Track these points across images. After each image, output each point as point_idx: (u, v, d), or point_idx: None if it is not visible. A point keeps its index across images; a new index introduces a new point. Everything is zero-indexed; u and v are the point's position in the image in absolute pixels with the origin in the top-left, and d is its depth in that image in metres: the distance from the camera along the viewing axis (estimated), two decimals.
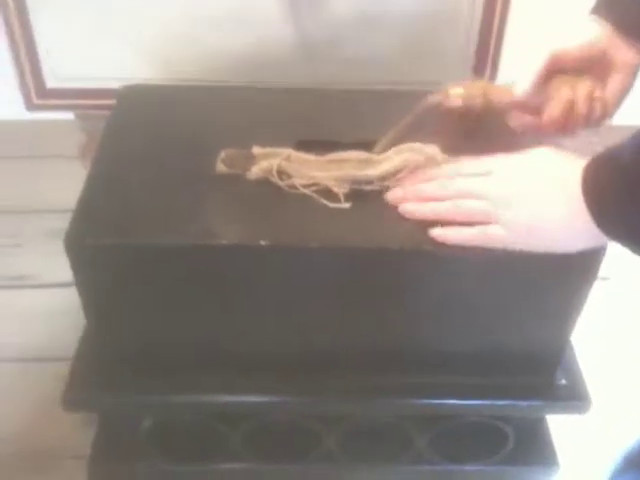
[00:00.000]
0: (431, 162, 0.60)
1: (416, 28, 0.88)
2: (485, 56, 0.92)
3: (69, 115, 0.98)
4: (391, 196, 0.59)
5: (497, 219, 0.54)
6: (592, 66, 0.61)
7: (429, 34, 0.89)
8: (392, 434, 0.70)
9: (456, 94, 0.62)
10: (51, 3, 0.83)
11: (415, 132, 0.62)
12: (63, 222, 1.54)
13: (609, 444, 0.98)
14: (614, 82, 0.62)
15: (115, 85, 0.73)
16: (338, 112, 0.68)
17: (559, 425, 0.75)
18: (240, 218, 0.57)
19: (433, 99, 0.62)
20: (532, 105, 0.63)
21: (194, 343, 0.61)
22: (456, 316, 0.61)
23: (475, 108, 0.63)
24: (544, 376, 0.66)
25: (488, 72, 0.94)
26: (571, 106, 0.61)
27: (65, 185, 1.64)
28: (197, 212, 0.57)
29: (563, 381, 0.66)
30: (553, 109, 0.61)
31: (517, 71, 0.63)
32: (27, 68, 0.86)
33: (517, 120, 0.65)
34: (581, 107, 0.60)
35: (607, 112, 0.62)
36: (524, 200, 0.54)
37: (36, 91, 0.88)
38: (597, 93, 0.61)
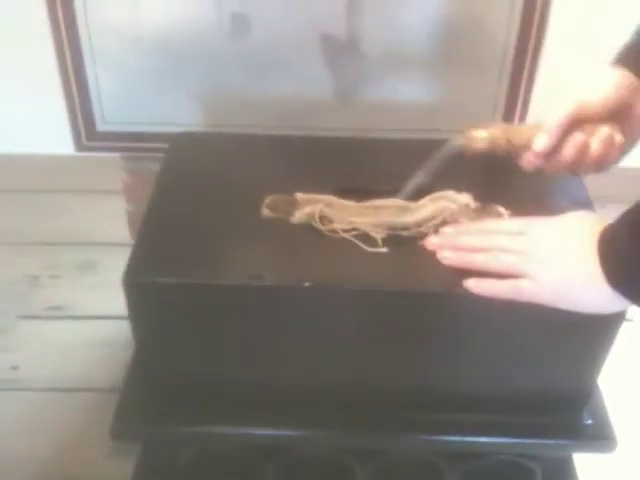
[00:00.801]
0: (464, 210, 0.64)
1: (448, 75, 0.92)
2: (515, 101, 0.95)
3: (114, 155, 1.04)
4: (429, 242, 0.62)
5: (528, 275, 0.57)
6: (614, 114, 0.63)
7: (461, 80, 0.93)
8: (423, 471, 0.72)
9: (480, 137, 0.64)
10: (104, 56, 0.88)
11: (446, 179, 0.66)
12: (99, 255, 1.60)
13: None
14: (632, 129, 0.64)
15: (159, 130, 0.78)
16: (373, 160, 0.72)
17: (585, 464, 0.77)
18: (284, 261, 0.61)
19: (457, 142, 0.65)
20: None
21: (236, 378, 0.65)
22: (487, 359, 0.64)
23: (499, 151, 0.64)
24: (572, 416, 0.68)
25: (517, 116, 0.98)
26: (585, 149, 0.62)
27: (103, 220, 1.72)
28: (244, 254, 0.61)
29: (590, 421, 0.68)
30: (567, 150, 0.62)
31: (546, 112, 0.64)
32: (79, 112, 0.92)
33: (527, 158, 0.65)
34: (594, 151, 0.62)
35: (619, 157, 0.64)
36: (554, 260, 0.57)
37: (86, 133, 0.93)
38: (617, 138, 0.62)
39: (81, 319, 1.53)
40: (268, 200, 0.65)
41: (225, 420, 0.66)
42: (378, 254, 0.61)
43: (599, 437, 0.68)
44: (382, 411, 0.66)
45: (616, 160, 0.64)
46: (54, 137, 1.07)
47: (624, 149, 0.64)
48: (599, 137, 0.62)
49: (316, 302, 0.59)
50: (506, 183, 0.69)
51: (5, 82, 1.72)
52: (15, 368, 1.40)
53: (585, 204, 0.67)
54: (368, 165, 0.71)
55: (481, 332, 0.62)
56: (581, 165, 0.63)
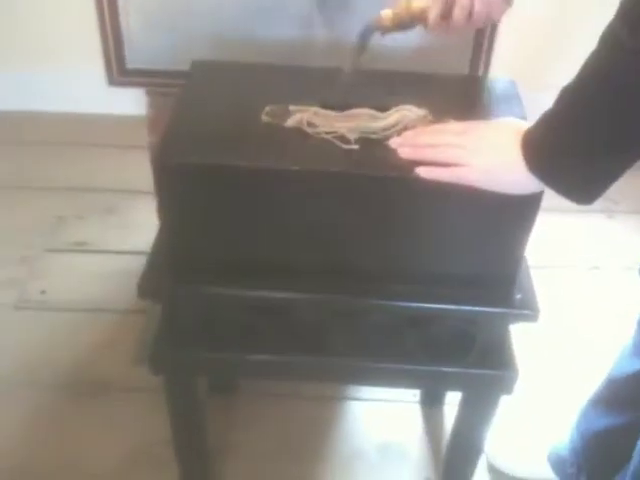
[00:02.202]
0: (421, 119, 0.81)
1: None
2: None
3: (139, 110, 1.21)
4: (393, 141, 0.79)
5: (467, 164, 0.75)
6: None
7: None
8: (389, 335, 0.90)
9: (385, 15, 0.83)
10: (135, 5, 1.06)
11: (410, 99, 0.83)
12: (119, 200, 1.84)
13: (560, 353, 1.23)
14: None
15: (177, 68, 0.96)
16: (353, 84, 0.89)
17: (521, 340, 0.95)
18: (278, 152, 0.79)
19: (370, 22, 0.83)
20: None
21: (243, 250, 0.82)
22: (434, 239, 0.82)
23: (405, 23, 0.83)
24: (504, 290, 0.85)
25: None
26: (471, 11, 0.81)
27: (125, 170, 1.93)
28: (249, 147, 0.78)
29: (519, 295, 0.86)
30: (456, 15, 0.82)
31: None
32: (112, 52, 1.09)
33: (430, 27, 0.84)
34: (478, 11, 0.81)
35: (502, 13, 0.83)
36: (487, 152, 0.75)
37: (118, 69, 1.10)
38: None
39: (102, 253, 1.72)
40: (267, 109, 0.83)
41: (234, 284, 0.84)
42: (351, 150, 0.79)
43: (526, 307, 0.85)
44: (355, 281, 0.84)
45: (500, 15, 0.84)
46: (90, 72, 1.25)
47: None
48: (475, 9, 0.81)
49: (302, 184, 0.77)
50: (456, 103, 0.86)
51: (51, 32, 1.92)
52: (43, 292, 1.60)
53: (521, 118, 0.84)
54: (348, 87, 0.88)
55: (430, 214, 0.79)
56: (473, 23, 0.83)
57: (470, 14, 0.82)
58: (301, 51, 1.06)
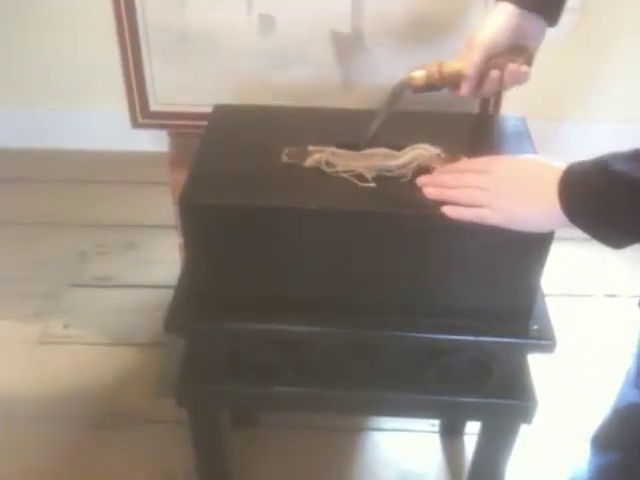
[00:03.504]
0: (435, 158, 0.84)
1: None
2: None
3: (160, 147, 1.26)
4: (419, 181, 0.82)
5: (489, 206, 0.77)
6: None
7: None
8: (407, 366, 0.92)
9: (418, 75, 0.85)
10: (158, 45, 1.10)
11: (423, 137, 0.86)
12: (140, 235, 1.89)
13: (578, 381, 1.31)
14: (531, 47, 0.86)
15: (200, 110, 0.99)
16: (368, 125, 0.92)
17: (539, 370, 0.96)
18: (299, 191, 0.82)
19: (402, 81, 0.85)
20: None
21: (264, 286, 0.85)
22: (454, 274, 0.84)
23: (436, 84, 0.85)
24: (521, 323, 0.87)
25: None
26: (500, 81, 0.85)
27: (145, 206, 1.98)
28: (270, 187, 0.82)
29: (535, 326, 0.87)
30: (487, 85, 0.86)
31: None
32: (136, 94, 1.13)
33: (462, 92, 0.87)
34: (507, 82, 0.85)
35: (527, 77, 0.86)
36: (511, 194, 0.77)
37: (141, 112, 1.15)
38: (522, 69, 0.84)
39: (123, 287, 1.76)
40: (286, 151, 0.86)
41: (256, 320, 0.86)
42: (369, 188, 0.82)
43: (543, 338, 0.87)
44: (373, 315, 0.86)
45: (525, 79, 0.86)
46: (114, 113, 1.31)
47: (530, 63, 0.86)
48: (508, 72, 0.84)
49: (322, 222, 0.80)
50: (468, 141, 0.89)
51: (76, 73, 2.00)
52: (66, 327, 1.63)
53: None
54: (363, 127, 0.91)
55: (446, 249, 0.82)
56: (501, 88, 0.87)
57: (500, 84, 0.86)
58: (317, 92, 1.10)
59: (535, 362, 0.95)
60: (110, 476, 1.31)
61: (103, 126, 2.09)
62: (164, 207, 1.46)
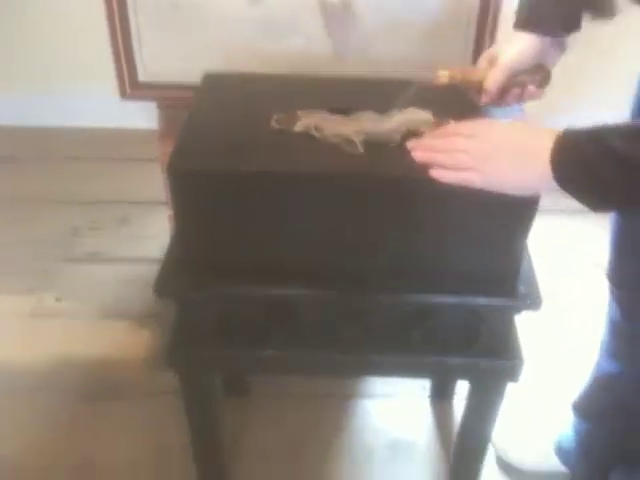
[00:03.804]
0: (424, 122, 0.85)
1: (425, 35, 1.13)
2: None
3: (151, 123, 1.26)
4: (408, 144, 0.83)
5: (477, 169, 0.78)
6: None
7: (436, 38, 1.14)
8: (395, 328, 0.93)
9: (442, 74, 0.88)
10: (146, 16, 1.10)
11: (413, 103, 0.87)
12: (132, 211, 1.91)
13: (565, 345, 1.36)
14: (550, 64, 0.89)
15: (191, 81, 1.00)
16: (358, 91, 0.93)
17: (527, 332, 0.98)
18: (288, 156, 0.83)
19: (427, 79, 0.88)
20: None
21: (253, 250, 0.86)
22: (442, 235, 0.85)
23: (457, 85, 0.88)
24: (508, 284, 0.89)
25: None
26: (519, 98, 0.89)
27: (138, 183, 1.99)
28: (257, 152, 0.83)
29: (522, 287, 0.89)
30: (508, 100, 0.90)
31: None
32: (124, 65, 1.14)
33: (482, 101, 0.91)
34: (526, 98, 0.89)
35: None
36: (497, 158, 0.78)
37: (129, 83, 1.15)
38: (541, 89, 0.89)
39: (115, 262, 1.77)
40: (276, 116, 0.87)
41: (245, 283, 0.88)
42: (358, 152, 0.83)
43: (528, 297, 0.88)
44: (362, 278, 0.88)
45: (542, 96, 0.90)
46: (103, 87, 1.31)
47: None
48: (528, 91, 0.89)
49: (311, 186, 0.81)
50: (458, 108, 0.90)
51: (64, 49, 2.00)
52: (58, 300, 1.64)
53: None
54: (354, 94, 0.92)
55: (435, 212, 0.83)
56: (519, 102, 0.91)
57: (518, 100, 0.90)
58: (307, 62, 1.10)
59: (524, 326, 0.96)
60: (101, 446, 1.32)
61: (96, 104, 2.09)
62: (157, 183, 1.47)
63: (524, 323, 0.97)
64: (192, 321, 0.94)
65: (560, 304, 1.57)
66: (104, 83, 1.41)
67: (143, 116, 1.82)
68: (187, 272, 0.89)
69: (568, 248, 1.78)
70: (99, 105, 2.07)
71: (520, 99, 0.90)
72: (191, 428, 1.09)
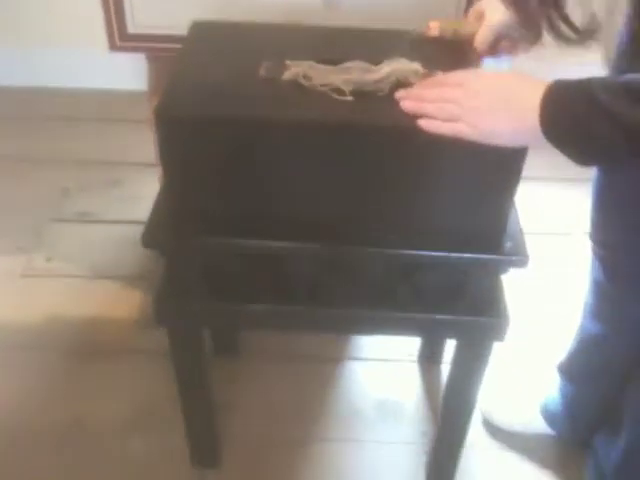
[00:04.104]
0: (413, 72, 0.84)
1: None
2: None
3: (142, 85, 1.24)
4: (397, 94, 0.82)
5: (465, 120, 0.77)
6: None
7: None
8: (382, 284, 0.93)
9: (433, 27, 0.87)
10: None
11: (402, 54, 0.86)
12: (123, 173, 1.90)
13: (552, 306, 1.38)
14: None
15: (180, 33, 0.99)
16: (347, 41, 0.92)
17: (511, 292, 0.98)
18: (276, 104, 0.82)
19: (420, 30, 0.88)
20: None
21: (245, 200, 0.85)
22: (427, 188, 0.85)
23: (448, 38, 0.87)
24: (494, 240, 0.88)
25: None
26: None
27: (130, 144, 1.98)
28: (248, 100, 0.81)
29: (509, 244, 0.89)
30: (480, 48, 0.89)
31: None
32: (113, 17, 1.12)
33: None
34: (504, 45, 0.90)
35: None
36: (487, 109, 0.77)
37: (119, 35, 1.13)
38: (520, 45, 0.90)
39: (106, 223, 1.76)
40: (264, 64, 0.86)
41: (233, 234, 0.87)
42: (346, 101, 0.82)
43: (515, 254, 0.88)
44: (350, 231, 0.87)
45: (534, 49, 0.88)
46: (92, 40, 1.29)
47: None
48: (518, 46, 0.91)
49: (297, 134, 0.80)
50: (448, 59, 0.89)
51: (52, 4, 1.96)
52: (49, 260, 1.64)
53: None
54: (343, 44, 0.91)
55: (421, 164, 0.82)
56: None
57: (509, 52, 0.91)
58: (297, 12, 1.09)
59: (510, 288, 0.96)
60: (91, 404, 1.33)
61: (88, 64, 2.07)
62: (148, 145, 1.46)
63: (510, 285, 0.96)
64: (180, 274, 0.93)
65: (546, 267, 1.57)
66: (93, 41, 1.40)
67: (135, 77, 1.81)
68: (175, 223, 0.88)
69: (557, 215, 1.77)
70: (91, 65, 2.05)
71: (511, 52, 0.88)
72: (180, 385, 1.09)
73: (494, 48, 0.89)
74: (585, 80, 0.71)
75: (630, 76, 0.69)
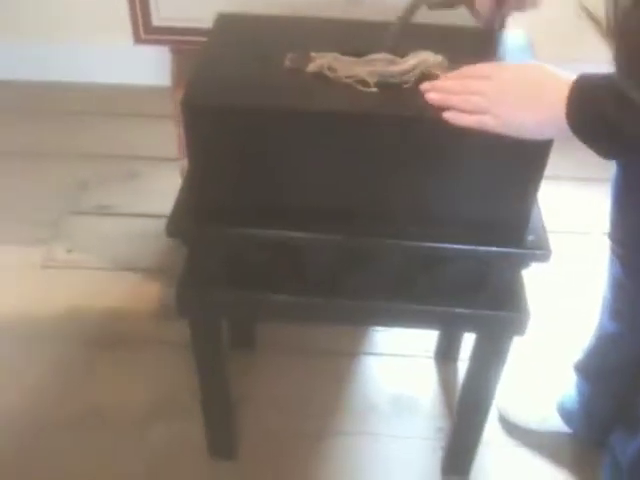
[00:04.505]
0: (438, 65, 0.85)
1: None
2: None
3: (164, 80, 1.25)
4: (422, 86, 0.82)
5: (491, 112, 0.78)
6: None
7: None
8: (402, 276, 0.93)
9: None
10: None
11: (427, 47, 0.86)
12: (142, 166, 1.90)
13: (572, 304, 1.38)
14: None
15: (204, 26, 0.99)
16: (370, 34, 0.92)
17: (533, 284, 0.98)
18: (301, 94, 0.82)
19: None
20: None
21: (269, 190, 0.86)
22: (451, 180, 0.85)
23: (453, 2, 0.88)
24: (517, 233, 0.89)
25: None
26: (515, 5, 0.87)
27: (148, 138, 1.99)
28: (270, 90, 0.82)
29: (531, 237, 0.89)
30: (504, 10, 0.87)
31: None
32: (138, 9, 1.13)
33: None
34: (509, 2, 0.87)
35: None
36: (512, 102, 0.77)
37: (143, 27, 1.14)
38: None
39: (125, 216, 1.77)
40: (289, 56, 0.86)
41: (255, 225, 0.87)
42: (371, 93, 0.82)
43: (537, 248, 0.88)
44: (371, 223, 0.87)
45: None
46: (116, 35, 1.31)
47: None
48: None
49: (322, 124, 0.80)
50: (471, 51, 0.90)
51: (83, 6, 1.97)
52: (69, 251, 1.65)
53: None
54: (368, 37, 0.91)
55: (445, 156, 0.82)
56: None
57: (515, 8, 0.88)
58: (322, 6, 1.09)
59: (529, 284, 0.96)
60: (111, 394, 1.34)
61: (108, 59, 2.09)
62: (167, 139, 1.48)
63: (529, 281, 0.96)
64: (202, 264, 0.94)
65: (564, 265, 1.56)
66: (117, 36, 1.41)
67: (156, 72, 1.82)
68: (198, 213, 0.89)
69: (576, 215, 1.76)
70: (112, 60, 2.06)
71: (518, 6, 0.88)
72: (200, 375, 1.10)
73: (500, 1, 0.88)
74: (610, 75, 0.71)
75: None
